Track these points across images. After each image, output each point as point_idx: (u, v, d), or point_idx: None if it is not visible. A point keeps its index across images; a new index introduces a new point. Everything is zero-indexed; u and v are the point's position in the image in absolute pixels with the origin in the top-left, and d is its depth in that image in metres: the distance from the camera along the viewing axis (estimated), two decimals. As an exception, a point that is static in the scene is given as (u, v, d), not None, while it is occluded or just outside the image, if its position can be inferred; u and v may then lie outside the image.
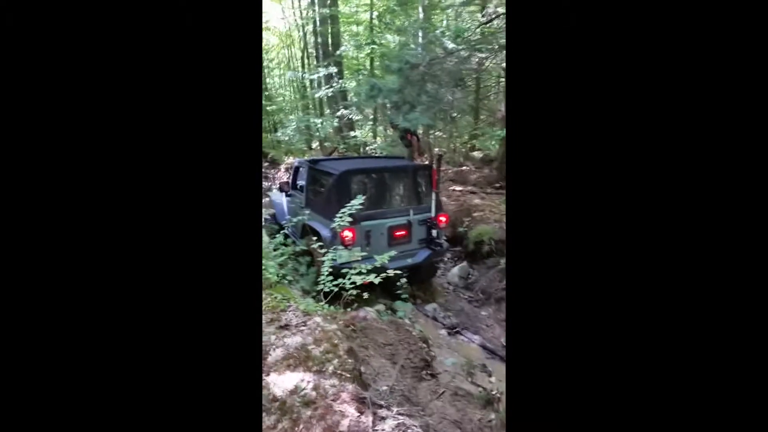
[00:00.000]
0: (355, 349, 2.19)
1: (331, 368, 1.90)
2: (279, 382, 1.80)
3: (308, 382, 1.79)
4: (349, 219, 2.94)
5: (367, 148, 9.34)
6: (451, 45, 4.56)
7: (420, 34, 5.65)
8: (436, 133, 8.24)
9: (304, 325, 2.35)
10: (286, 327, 2.31)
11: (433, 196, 3.68)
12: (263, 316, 2.49)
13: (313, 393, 1.73)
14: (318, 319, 2.43)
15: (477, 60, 4.80)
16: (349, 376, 1.86)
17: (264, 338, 2.16)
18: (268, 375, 1.86)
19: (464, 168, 7.44)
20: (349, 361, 1.98)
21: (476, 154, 7.54)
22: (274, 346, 2.09)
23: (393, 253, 2.82)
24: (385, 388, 2.03)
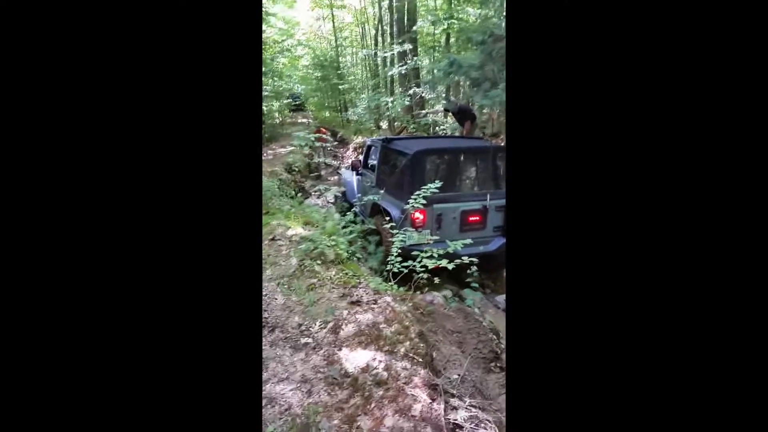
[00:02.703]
0: (425, 334, 2.14)
1: (402, 350, 1.88)
2: (351, 358, 1.82)
3: (380, 361, 1.79)
4: (423, 201, 2.85)
5: (437, 128, 9.08)
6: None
7: (505, 1, 5.20)
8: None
9: (374, 303, 2.35)
10: (357, 303, 2.34)
11: (513, 180, 3.43)
12: (335, 290, 2.55)
13: (385, 373, 1.72)
14: (388, 299, 2.42)
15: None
16: (420, 360, 1.82)
17: (336, 312, 2.20)
18: (340, 349, 1.90)
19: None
20: (421, 345, 1.93)
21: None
22: (346, 321, 2.12)
23: (468, 240, 2.69)
24: (456, 376, 1.97)
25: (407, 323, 2.11)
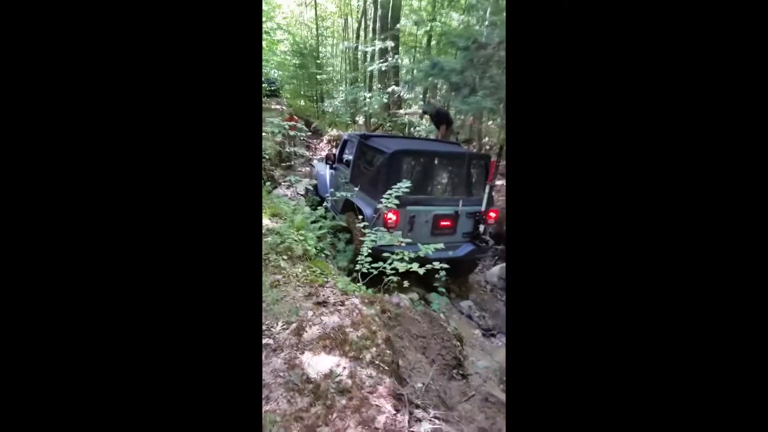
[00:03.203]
0: (392, 339, 2.09)
1: (368, 356, 1.81)
2: (314, 363, 1.72)
3: (344, 368, 1.71)
4: (396, 201, 2.79)
5: (413, 128, 9.08)
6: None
7: (488, 10, 5.25)
8: (488, 122, 7.84)
9: (341, 305, 2.26)
10: (323, 304, 2.24)
11: (487, 189, 3.45)
12: (300, 289, 2.44)
13: (349, 381, 1.64)
14: (356, 301, 2.34)
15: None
16: (386, 368, 1.76)
17: (300, 313, 2.10)
18: (302, 353, 1.80)
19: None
20: (387, 352, 1.87)
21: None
22: (310, 323, 2.02)
23: (440, 245, 2.67)
24: (420, 385, 1.92)
25: (374, 328, 2.04)
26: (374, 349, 1.86)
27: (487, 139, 8.12)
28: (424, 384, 1.94)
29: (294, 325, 1.99)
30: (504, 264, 4.41)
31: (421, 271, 2.36)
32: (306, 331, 1.95)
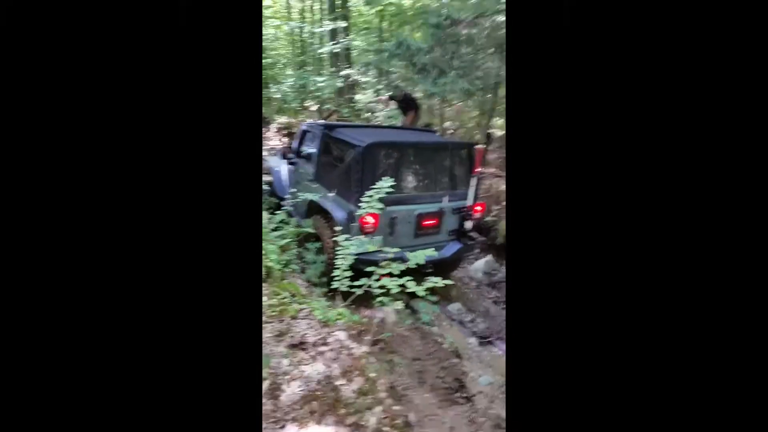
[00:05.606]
0: (396, 387, 1.67)
1: (373, 421, 1.37)
2: (302, 443, 1.26)
3: (344, 445, 1.27)
4: (380, 205, 2.34)
5: (374, 114, 8.56)
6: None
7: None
8: (451, 105, 7.52)
9: (324, 344, 1.80)
10: (301, 346, 1.76)
11: (474, 181, 3.09)
12: (269, 325, 1.93)
13: (354, 467, 1.20)
14: (341, 335, 1.89)
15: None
16: (400, 437, 1.34)
17: (274, 362, 1.61)
18: (283, 427, 1.32)
19: (478, 147, 6.79)
20: (395, 407, 1.45)
21: (496, 132, 6.87)
22: (288, 377, 1.54)
23: (430, 251, 2.27)
24: (437, 443, 1.53)
25: (372, 373, 1.61)
26: (378, 407, 1.43)
27: (449, 123, 7.83)
28: (441, 440, 1.55)
29: (267, 383, 1.50)
30: (487, 258, 4.13)
31: (420, 290, 1.95)
32: (284, 391, 1.48)
